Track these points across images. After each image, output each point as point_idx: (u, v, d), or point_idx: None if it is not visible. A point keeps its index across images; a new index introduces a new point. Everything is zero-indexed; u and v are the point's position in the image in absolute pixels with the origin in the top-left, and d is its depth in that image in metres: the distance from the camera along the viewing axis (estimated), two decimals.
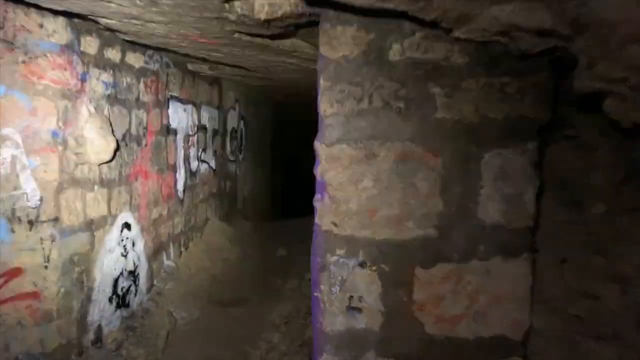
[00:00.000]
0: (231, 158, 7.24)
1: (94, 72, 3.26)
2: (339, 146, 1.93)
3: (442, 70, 1.89)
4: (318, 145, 1.98)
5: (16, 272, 2.76)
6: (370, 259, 1.96)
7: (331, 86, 1.90)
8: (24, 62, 2.72)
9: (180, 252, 5.10)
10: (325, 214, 1.98)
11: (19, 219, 2.76)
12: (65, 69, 2.91)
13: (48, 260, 2.86)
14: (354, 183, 1.93)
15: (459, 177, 1.93)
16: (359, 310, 1.96)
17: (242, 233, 6.75)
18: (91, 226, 3.29)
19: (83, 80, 3.13)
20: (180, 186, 5.08)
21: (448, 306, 1.93)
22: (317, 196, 2.00)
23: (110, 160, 3.33)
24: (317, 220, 2.01)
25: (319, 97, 1.95)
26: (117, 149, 3.33)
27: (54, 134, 2.87)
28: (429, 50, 1.88)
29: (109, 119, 3.37)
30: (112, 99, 3.54)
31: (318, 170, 1.99)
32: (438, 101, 1.91)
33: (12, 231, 2.75)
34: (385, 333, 1.96)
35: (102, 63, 3.36)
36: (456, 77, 1.90)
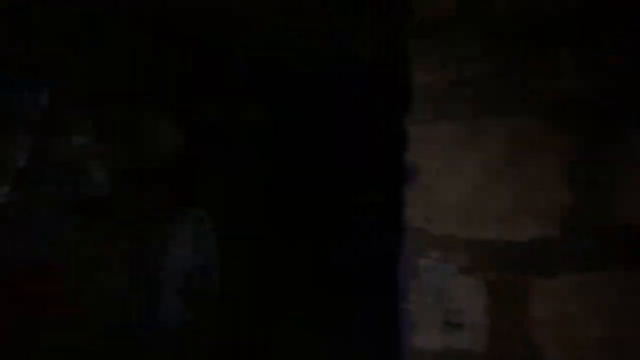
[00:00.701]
0: None
1: None
2: (436, 124, 1.58)
3: (571, 26, 1.48)
4: (409, 122, 1.65)
5: None
6: (474, 264, 1.58)
7: (428, 49, 1.57)
8: None
9: None
10: (417, 208, 1.63)
11: None
12: None
13: None
14: (455, 168, 1.57)
15: (594, 162, 1.51)
16: (459, 326, 1.59)
17: None
18: None
19: None
20: None
21: (577, 328, 1.51)
22: (408, 185, 1.67)
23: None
24: (407, 214, 1.67)
25: (410, 64, 1.62)
26: None
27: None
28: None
29: None
30: None
31: (409, 154, 1.65)
32: (566, 66, 1.50)
33: None
34: (492, 356, 1.57)
35: None
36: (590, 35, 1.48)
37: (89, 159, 2.68)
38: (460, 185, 1.57)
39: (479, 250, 1.58)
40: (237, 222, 3.50)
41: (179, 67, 2.98)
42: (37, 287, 2.52)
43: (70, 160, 2.59)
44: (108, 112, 2.69)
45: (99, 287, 2.79)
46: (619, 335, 1.52)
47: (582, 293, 1.49)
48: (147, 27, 2.60)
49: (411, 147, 1.63)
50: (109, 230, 2.84)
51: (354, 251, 4.31)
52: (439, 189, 1.59)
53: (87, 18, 2.44)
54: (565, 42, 1.53)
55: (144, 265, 3.02)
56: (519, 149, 1.53)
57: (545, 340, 1.55)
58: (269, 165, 3.72)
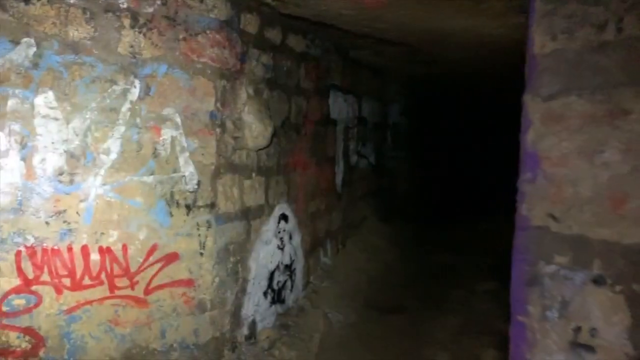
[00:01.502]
0: (391, 154, 6.79)
1: (254, 52, 3.09)
2: (564, 99, 1.30)
3: None
4: (528, 99, 1.38)
5: (173, 257, 2.67)
6: (611, 272, 1.28)
7: (553, 9, 1.29)
8: (184, 39, 2.63)
9: (337, 250, 4.80)
10: (539, 202, 1.36)
11: (177, 203, 2.68)
12: (224, 47, 2.76)
13: (204, 247, 2.73)
14: (589, 155, 1.28)
15: None
16: (591, 349, 1.29)
17: (401, 234, 6.24)
18: (247, 215, 3.13)
19: (242, 60, 2.97)
20: (338, 180, 4.79)
21: None
22: (526, 175, 1.40)
23: (267, 146, 3.12)
24: (523, 210, 1.40)
25: (531, 29, 1.36)
26: (274, 135, 3.11)
27: (212, 116, 2.74)
28: None
29: (267, 104, 3.18)
30: (272, 83, 3.35)
31: (528, 137, 1.38)
32: None
33: (170, 215, 2.67)
34: None
35: (261, 44, 3.18)
36: None
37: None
38: (596, 174, 1.27)
39: (619, 256, 1.27)
40: None
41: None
42: None
43: None
44: None
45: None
46: None
47: None
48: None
49: (533, 127, 1.36)
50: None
51: None
52: (568, 179, 1.30)
53: None
54: None
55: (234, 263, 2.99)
56: None
57: None
58: None
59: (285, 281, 3.72)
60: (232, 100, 2.88)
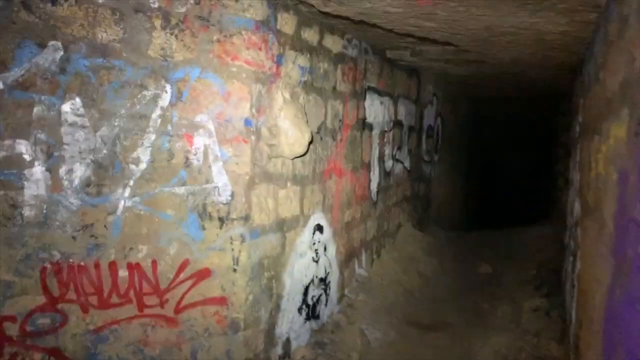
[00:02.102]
0: (426, 158, 6.52)
1: (290, 54, 2.90)
2: None
3: None
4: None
5: (205, 273, 2.50)
6: None
7: None
8: (218, 40, 2.45)
9: (372, 260, 4.58)
10: None
11: (210, 216, 2.50)
12: (260, 49, 2.58)
13: (237, 263, 2.55)
14: None
15: None
16: None
17: (437, 243, 5.97)
18: (282, 227, 2.94)
19: (278, 63, 2.78)
20: (374, 187, 4.56)
21: None
22: None
23: (304, 154, 2.92)
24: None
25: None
26: (311, 142, 2.91)
27: (247, 122, 2.56)
28: None
29: (304, 109, 2.98)
30: (308, 87, 3.15)
31: None
32: None
33: (203, 228, 2.50)
34: None
35: (298, 45, 2.99)
36: None
37: None
38: None
39: None
40: None
41: None
42: None
43: None
44: None
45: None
46: None
47: None
48: None
49: None
50: None
51: None
52: None
53: None
54: None
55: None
56: None
57: None
58: None
59: (320, 295, 3.52)
60: (267, 105, 2.70)
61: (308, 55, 3.11)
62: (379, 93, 4.54)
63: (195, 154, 2.48)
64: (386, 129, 4.81)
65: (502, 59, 4.03)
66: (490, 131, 11.37)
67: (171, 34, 2.39)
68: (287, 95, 2.82)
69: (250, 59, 2.54)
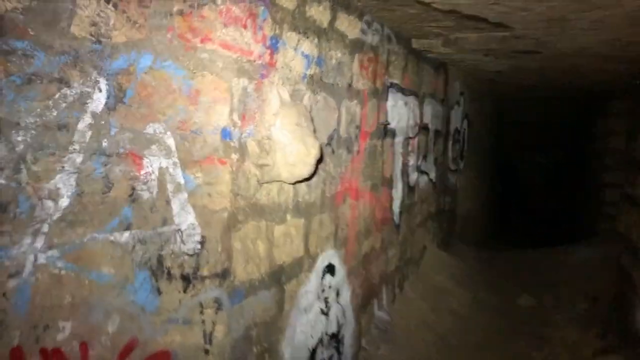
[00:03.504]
0: (452, 167, 5.66)
1: (290, 38, 2.08)
2: None
3: None
4: None
5: (161, 357, 1.68)
6: None
7: None
8: (180, 13, 1.64)
9: (394, 297, 3.74)
10: None
11: (169, 273, 1.69)
12: (244, 27, 1.76)
13: (210, 341, 1.73)
14: None
15: None
16: None
17: (467, 267, 5.11)
18: (279, 277, 2.12)
19: (273, 48, 1.96)
20: (396, 207, 3.73)
21: None
22: None
23: (311, 177, 2.10)
24: None
25: None
26: (321, 159, 2.08)
27: (225, 134, 1.74)
28: None
29: (309, 113, 2.15)
30: (316, 83, 2.33)
31: None
32: None
33: (158, 292, 1.68)
34: None
35: (302, 25, 2.16)
36: None
37: None
38: None
39: None
40: None
41: None
42: None
43: None
44: None
45: None
46: None
47: None
48: None
49: None
50: None
51: None
52: None
53: None
54: None
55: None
56: None
57: None
58: None
59: (331, 356, 2.69)
60: (256, 109, 1.87)
61: (316, 39, 2.29)
62: (403, 92, 3.70)
63: (145, 183, 1.66)
64: (411, 135, 3.97)
65: (563, 49, 3.17)
66: (516, 134, 10.45)
67: (107, 1, 1.58)
68: (286, 95, 1.99)
69: (230, 41, 1.72)
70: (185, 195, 1.70)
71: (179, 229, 1.70)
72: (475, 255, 5.62)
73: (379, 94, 3.20)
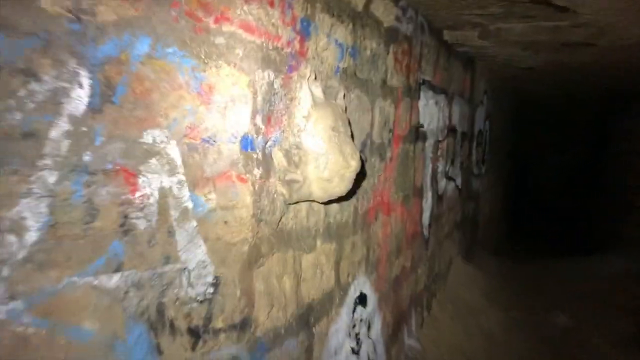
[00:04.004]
0: (475, 172, 5.26)
1: (323, 21, 1.67)
2: None
3: None
4: None
5: None
6: None
7: None
8: None
9: (422, 320, 3.34)
10: None
11: (172, 326, 1.28)
12: (271, 4, 1.35)
13: None
14: None
15: None
16: None
17: (494, 281, 4.71)
18: (308, 319, 1.71)
19: (304, 34, 1.55)
20: (426, 219, 3.33)
21: None
22: None
23: (349, 195, 1.69)
24: None
25: None
26: (362, 171, 1.67)
27: (246, 144, 1.33)
28: None
29: (345, 114, 1.74)
30: (350, 78, 1.92)
31: None
32: None
33: (158, 350, 1.28)
34: None
35: (335, 7, 1.75)
36: None
37: None
38: None
39: None
40: None
41: None
42: None
43: None
44: None
45: None
46: None
47: None
48: None
49: None
50: None
51: None
52: None
53: None
54: None
55: None
56: None
57: None
58: None
59: None
60: (284, 110, 1.47)
61: (350, 25, 1.88)
62: (434, 89, 3.29)
63: (141, 209, 1.26)
64: (440, 138, 3.56)
65: (624, 39, 2.75)
66: (533, 133, 10.03)
67: None
68: (319, 92, 1.59)
69: (254, 21, 1.31)
70: (194, 223, 1.30)
71: (186, 268, 1.30)
72: (500, 266, 5.22)
73: (412, 92, 2.80)
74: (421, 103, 3.00)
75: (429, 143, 3.28)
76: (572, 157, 10.20)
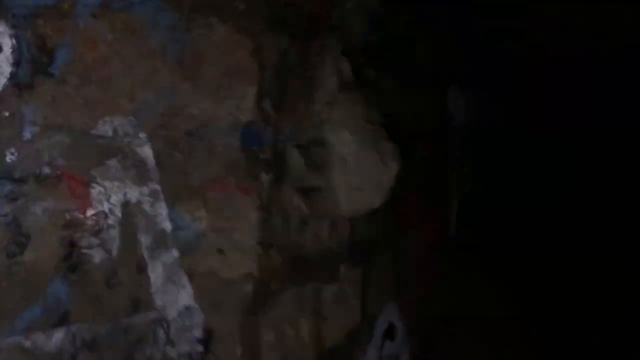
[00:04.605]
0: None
1: None
2: None
3: None
4: None
5: None
6: None
7: None
8: None
9: (447, 343, 2.94)
10: None
11: None
12: None
13: None
14: None
15: None
16: None
17: (504, 284, 4.30)
18: None
19: None
20: (452, 230, 2.93)
21: None
22: None
23: (382, 206, 1.28)
24: None
25: None
26: (401, 175, 1.26)
27: (250, 138, 0.93)
28: None
29: (375, 102, 1.32)
30: (380, 58, 1.51)
31: None
32: None
33: None
34: None
35: None
36: None
37: None
38: None
39: None
40: None
41: None
42: None
43: None
44: None
45: None
46: None
47: None
48: None
49: None
50: None
51: None
52: None
53: None
54: None
55: None
56: None
57: None
58: None
59: None
60: (299, 91, 1.06)
61: None
62: (459, 75, 2.89)
63: (95, 233, 0.84)
64: (466, 135, 3.17)
65: None
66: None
67: None
68: (347, 69, 1.18)
69: None
70: (175, 253, 0.89)
71: (163, 319, 0.89)
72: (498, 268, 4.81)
73: (440, 80, 2.40)
74: (451, 93, 2.61)
75: (456, 140, 2.88)
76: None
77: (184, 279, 0.91)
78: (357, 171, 1.13)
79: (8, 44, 0.78)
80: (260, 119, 0.95)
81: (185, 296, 0.91)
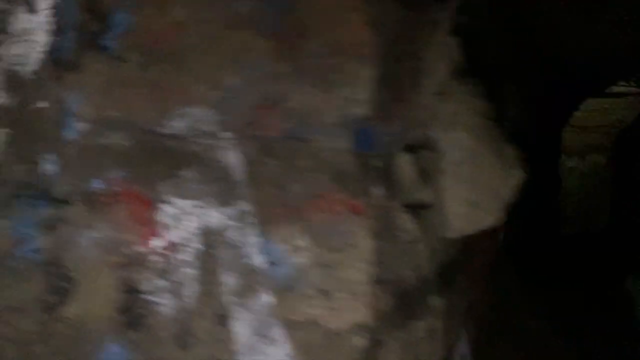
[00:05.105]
0: None
1: None
2: None
3: None
4: None
5: None
6: None
7: None
8: None
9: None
10: None
11: None
12: None
13: None
14: None
15: None
16: None
17: (526, 286, 4.06)
18: None
19: None
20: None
21: None
22: None
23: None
24: None
25: None
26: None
27: (363, 139, 0.68)
28: None
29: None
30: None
31: None
32: None
33: None
34: None
35: None
36: None
37: None
38: None
39: None
40: None
41: None
42: None
43: None
44: None
45: None
46: None
47: None
48: None
49: None
50: None
51: None
52: None
53: None
54: None
55: None
56: None
57: None
58: None
59: None
60: (408, 78, 0.81)
61: None
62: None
63: (163, 273, 0.59)
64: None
65: None
66: None
67: None
68: (458, 52, 0.94)
69: None
70: (267, 299, 0.64)
71: None
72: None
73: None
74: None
75: None
76: None
77: (279, 332, 0.66)
78: (473, 181, 0.89)
79: (46, 1, 0.53)
80: (374, 114, 0.71)
81: (279, 354, 0.66)
